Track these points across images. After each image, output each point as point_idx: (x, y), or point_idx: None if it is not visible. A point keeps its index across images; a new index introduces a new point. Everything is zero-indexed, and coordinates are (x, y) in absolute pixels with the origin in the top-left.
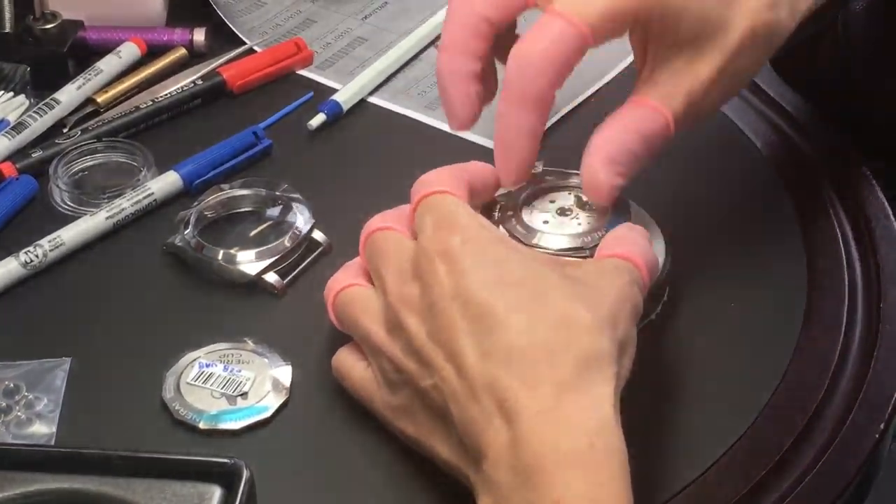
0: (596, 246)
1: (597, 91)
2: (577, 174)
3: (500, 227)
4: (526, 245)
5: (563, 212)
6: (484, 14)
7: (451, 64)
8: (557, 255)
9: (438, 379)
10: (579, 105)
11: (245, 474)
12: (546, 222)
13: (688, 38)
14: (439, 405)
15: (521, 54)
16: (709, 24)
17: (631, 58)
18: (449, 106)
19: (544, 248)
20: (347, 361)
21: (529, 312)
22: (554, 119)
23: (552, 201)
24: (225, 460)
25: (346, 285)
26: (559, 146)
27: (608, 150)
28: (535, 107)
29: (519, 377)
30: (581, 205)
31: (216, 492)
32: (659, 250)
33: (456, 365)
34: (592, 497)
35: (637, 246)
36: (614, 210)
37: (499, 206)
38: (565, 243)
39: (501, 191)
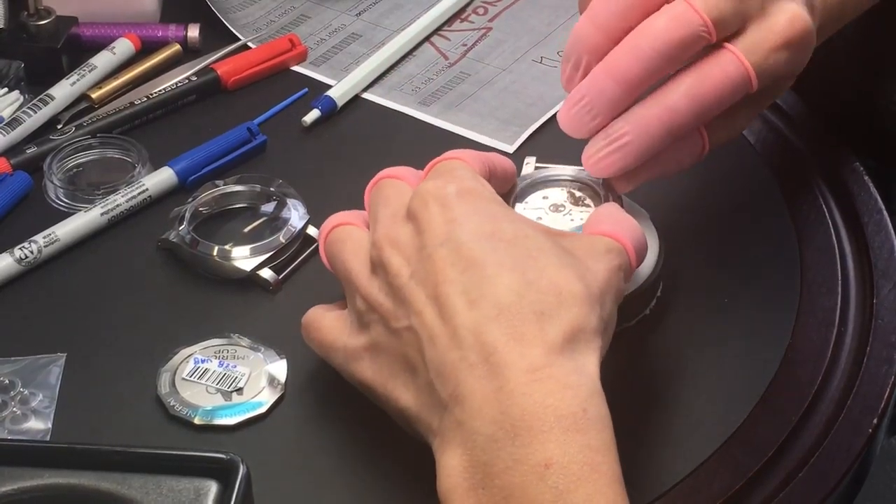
0: None
1: None
2: (570, 169)
3: None
4: None
5: (556, 208)
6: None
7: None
8: None
9: (416, 320)
10: None
11: (241, 469)
12: (539, 218)
13: None
14: (409, 347)
15: (640, 29)
16: None
17: None
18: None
19: None
20: (318, 311)
21: (520, 272)
22: (548, 115)
23: (545, 197)
24: (221, 455)
25: (341, 223)
26: (552, 143)
27: None
28: (634, 87)
29: (507, 332)
30: (574, 201)
31: (212, 487)
32: (652, 246)
33: (439, 308)
34: (586, 461)
35: (627, 227)
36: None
37: None
38: None
39: None
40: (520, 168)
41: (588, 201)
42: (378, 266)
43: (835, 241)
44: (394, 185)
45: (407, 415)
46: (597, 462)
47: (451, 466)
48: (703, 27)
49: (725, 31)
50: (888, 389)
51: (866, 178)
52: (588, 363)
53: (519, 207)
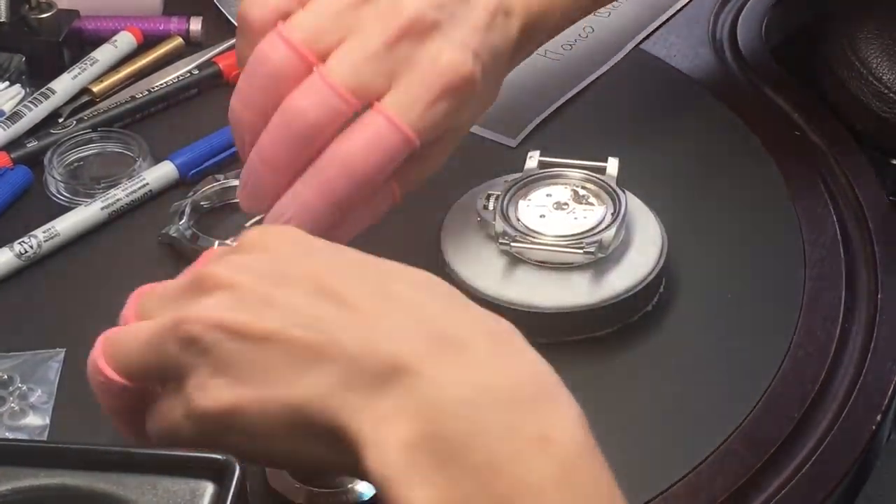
0: (594, 244)
1: (595, 80)
2: (574, 166)
3: (496, 218)
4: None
5: (559, 206)
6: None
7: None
8: (552, 248)
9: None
10: (578, 94)
11: (237, 470)
12: (542, 216)
13: None
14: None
15: (283, 110)
16: None
17: (630, 46)
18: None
19: (541, 244)
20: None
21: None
22: (551, 109)
23: (549, 195)
24: (217, 456)
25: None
26: (556, 137)
27: None
28: (286, 169)
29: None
30: (578, 199)
31: (208, 488)
32: (655, 241)
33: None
34: (587, 439)
35: None
36: (611, 201)
37: (494, 197)
38: (562, 242)
39: (499, 181)
40: (524, 162)
41: (591, 200)
42: (211, 290)
43: (840, 236)
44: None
45: (308, 409)
46: (589, 437)
47: (399, 435)
48: (341, 102)
49: (372, 94)
50: (892, 386)
51: (872, 171)
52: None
53: (522, 205)
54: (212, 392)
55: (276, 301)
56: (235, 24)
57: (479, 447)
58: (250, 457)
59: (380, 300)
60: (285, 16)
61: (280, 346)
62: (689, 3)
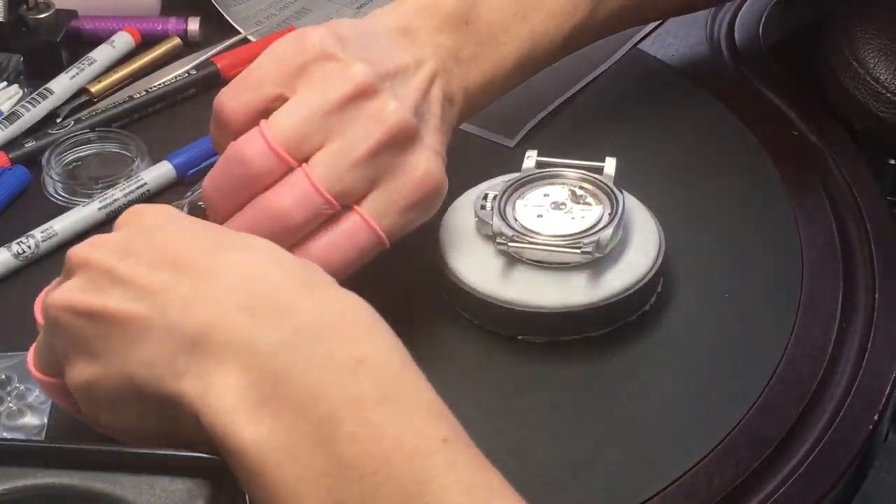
0: (591, 244)
1: (593, 80)
2: (572, 166)
3: (494, 217)
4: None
5: (556, 206)
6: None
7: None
8: (550, 247)
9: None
10: (575, 94)
11: None
12: (540, 216)
13: None
14: (118, 322)
15: (263, 204)
16: None
17: (628, 46)
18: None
19: (538, 244)
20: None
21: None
22: (549, 109)
23: (546, 195)
24: (214, 456)
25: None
26: (554, 136)
27: None
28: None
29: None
30: (575, 199)
31: (205, 487)
32: (653, 241)
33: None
34: (401, 357)
35: None
36: (608, 201)
37: (492, 196)
38: (560, 241)
39: (497, 181)
40: (521, 162)
41: (589, 199)
42: (72, 271)
43: (836, 235)
44: None
45: (139, 380)
46: (408, 359)
47: (225, 386)
48: (325, 205)
49: (352, 198)
50: (890, 385)
51: (869, 171)
52: None
53: (520, 204)
54: (75, 369)
55: (119, 276)
56: (233, 24)
57: (297, 379)
58: (120, 434)
59: (211, 266)
60: (263, 112)
61: (116, 321)
62: None
